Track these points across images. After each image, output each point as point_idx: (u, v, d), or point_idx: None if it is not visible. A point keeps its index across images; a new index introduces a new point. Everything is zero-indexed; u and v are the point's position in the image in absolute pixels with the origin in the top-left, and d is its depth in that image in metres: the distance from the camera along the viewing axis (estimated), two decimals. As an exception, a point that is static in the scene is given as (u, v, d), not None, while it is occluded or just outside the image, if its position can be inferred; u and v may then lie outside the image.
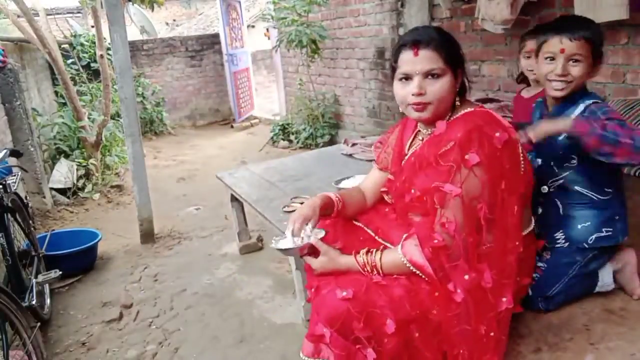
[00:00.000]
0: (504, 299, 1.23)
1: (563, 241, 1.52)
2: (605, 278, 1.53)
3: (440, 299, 1.22)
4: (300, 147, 5.93)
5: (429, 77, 1.29)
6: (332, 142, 5.66)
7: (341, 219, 1.56)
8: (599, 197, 1.49)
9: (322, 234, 1.41)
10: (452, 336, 1.22)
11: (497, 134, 1.21)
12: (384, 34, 4.77)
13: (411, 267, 1.25)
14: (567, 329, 1.37)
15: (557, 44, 1.45)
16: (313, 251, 1.38)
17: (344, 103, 5.77)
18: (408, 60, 1.30)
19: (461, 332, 1.21)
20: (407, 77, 1.31)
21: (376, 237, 1.49)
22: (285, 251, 1.43)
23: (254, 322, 2.47)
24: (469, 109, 1.34)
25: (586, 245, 1.49)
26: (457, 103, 1.34)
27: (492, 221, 1.22)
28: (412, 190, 1.35)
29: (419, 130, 1.45)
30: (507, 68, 3.55)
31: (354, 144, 3.40)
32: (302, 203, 2.45)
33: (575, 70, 1.45)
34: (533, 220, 1.44)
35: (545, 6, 3.12)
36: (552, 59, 1.48)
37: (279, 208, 2.45)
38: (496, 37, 3.50)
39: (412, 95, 1.31)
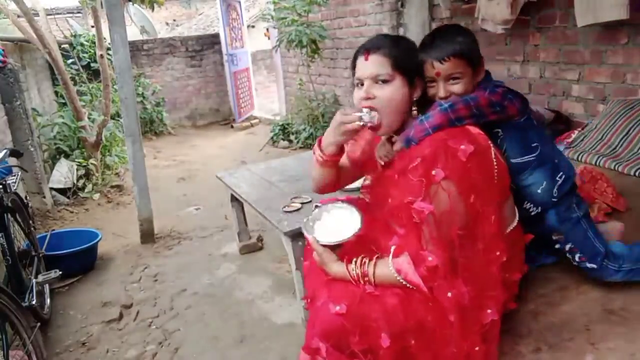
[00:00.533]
0: (489, 311, 1.22)
1: (535, 209, 1.52)
2: None
3: (434, 309, 1.22)
4: (300, 147, 5.93)
5: (379, 82, 1.30)
6: (332, 142, 5.65)
7: None
8: (534, 155, 1.48)
9: (354, 228, 1.33)
10: (446, 352, 1.22)
11: (462, 147, 1.19)
12: (384, 34, 4.77)
13: (406, 284, 1.24)
14: (567, 329, 1.37)
15: (430, 68, 1.39)
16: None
17: (344, 103, 5.77)
18: (360, 66, 1.33)
19: (451, 352, 1.22)
20: (360, 83, 1.33)
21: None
22: (328, 243, 1.34)
23: (254, 322, 2.47)
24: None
25: (555, 200, 1.49)
26: (414, 112, 1.33)
27: (467, 235, 1.20)
28: (389, 200, 1.36)
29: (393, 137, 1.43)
30: (507, 68, 3.55)
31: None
32: (302, 203, 2.47)
33: (457, 87, 1.39)
34: (517, 214, 1.43)
35: (545, 6, 3.13)
36: (432, 81, 1.41)
37: (279, 208, 2.45)
38: (496, 37, 3.50)
39: (362, 99, 1.31)
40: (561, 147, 2.76)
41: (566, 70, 3.13)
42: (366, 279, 1.27)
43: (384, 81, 1.30)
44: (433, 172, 1.19)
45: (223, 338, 2.37)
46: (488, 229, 1.22)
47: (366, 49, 1.33)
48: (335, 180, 1.56)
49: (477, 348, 1.21)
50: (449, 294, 1.20)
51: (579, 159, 2.59)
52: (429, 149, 1.21)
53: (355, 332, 1.20)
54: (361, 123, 1.32)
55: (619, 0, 2.48)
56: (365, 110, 1.33)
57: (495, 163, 1.27)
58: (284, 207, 2.44)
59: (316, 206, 1.46)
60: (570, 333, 1.36)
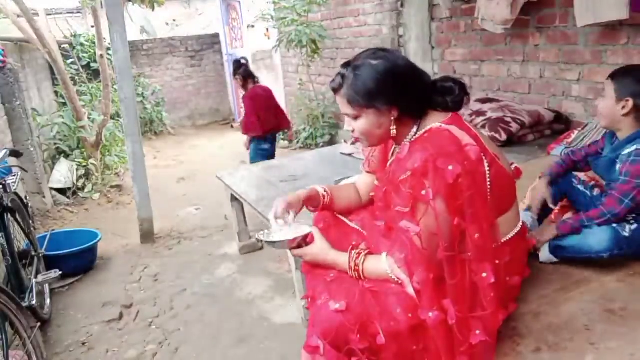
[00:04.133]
0: (477, 332, 1.21)
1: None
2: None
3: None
4: (300, 147, 5.93)
5: (352, 117, 1.32)
6: (332, 142, 5.66)
7: (333, 217, 1.57)
8: None
9: (306, 230, 1.42)
10: None
11: (450, 168, 1.16)
12: (384, 34, 4.76)
13: (396, 279, 1.26)
14: (567, 329, 1.37)
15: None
16: (304, 242, 1.41)
17: (344, 103, 5.76)
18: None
19: None
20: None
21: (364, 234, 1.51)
22: (274, 244, 1.43)
23: (254, 322, 2.47)
24: (434, 125, 1.29)
25: None
26: (393, 131, 1.30)
27: (453, 257, 1.19)
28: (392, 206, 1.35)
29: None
30: (507, 68, 3.55)
31: (353, 143, 3.40)
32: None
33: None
34: (521, 220, 1.43)
35: (545, 6, 3.12)
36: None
37: (279, 208, 2.44)
38: (496, 37, 3.50)
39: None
40: (561, 147, 2.76)
41: (566, 70, 3.13)
42: (357, 269, 1.31)
43: (355, 119, 1.32)
44: (422, 192, 1.18)
45: (223, 338, 2.37)
46: (473, 248, 1.20)
47: (332, 89, 1.34)
48: (346, 205, 1.61)
49: None
50: (430, 314, 1.20)
51: (579, 159, 2.59)
52: (419, 164, 1.19)
53: (354, 329, 1.20)
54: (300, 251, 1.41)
55: (618, 0, 2.48)
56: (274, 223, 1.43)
57: (488, 180, 1.24)
58: (284, 207, 2.44)
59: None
60: (570, 333, 1.35)
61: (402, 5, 4.43)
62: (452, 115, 1.32)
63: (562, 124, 3.16)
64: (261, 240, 1.43)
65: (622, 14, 2.49)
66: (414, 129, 1.33)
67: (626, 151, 1.62)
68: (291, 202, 1.45)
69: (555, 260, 1.71)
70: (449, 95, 1.31)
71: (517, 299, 1.42)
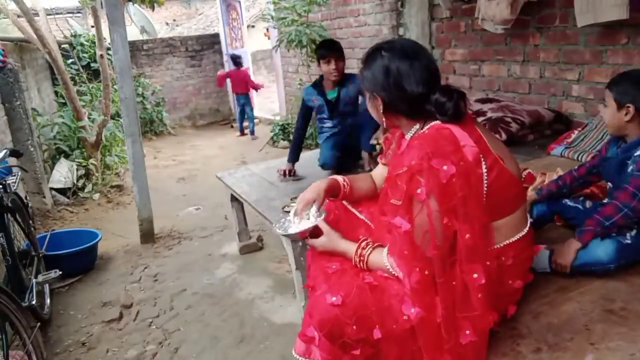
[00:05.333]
0: (467, 332, 1.21)
1: None
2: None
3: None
4: (300, 147, 5.92)
5: None
6: (332, 142, 5.65)
7: (343, 209, 1.63)
8: None
9: (324, 215, 1.51)
10: None
11: (445, 168, 1.17)
12: (384, 34, 4.77)
13: (395, 274, 1.29)
14: (567, 329, 1.37)
15: None
16: (315, 232, 1.48)
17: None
18: None
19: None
20: None
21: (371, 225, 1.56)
22: (288, 235, 1.56)
23: (254, 322, 2.47)
24: (437, 123, 1.30)
25: None
26: (384, 121, 1.40)
27: (441, 255, 1.20)
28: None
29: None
30: (507, 68, 3.55)
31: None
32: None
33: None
34: (528, 224, 1.42)
35: (545, 6, 3.13)
36: None
37: (279, 208, 2.45)
38: (496, 37, 3.50)
39: None
40: (561, 147, 2.76)
41: (566, 70, 3.13)
42: (362, 259, 1.36)
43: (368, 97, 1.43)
44: (418, 190, 1.20)
45: (223, 338, 2.37)
46: (463, 248, 1.20)
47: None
48: (370, 191, 1.69)
49: None
50: (412, 310, 1.22)
51: (579, 158, 2.59)
52: (416, 161, 1.20)
53: (350, 323, 1.22)
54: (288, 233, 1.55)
55: (618, 0, 2.48)
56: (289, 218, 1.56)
57: (485, 181, 1.24)
58: (284, 207, 2.44)
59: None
60: (570, 333, 1.35)
61: (402, 5, 4.44)
62: None
63: (562, 124, 3.16)
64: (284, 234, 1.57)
65: (622, 14, 2.49)
66: (417, 126, 1.35)
67: (639, 152, 1.62)
68: (309, 199, 1.52)
69: (548, 270, 1.66)
70: (440, 109, 1.30)
71: (517, 302, 1.42)
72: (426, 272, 1.22)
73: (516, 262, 1.33)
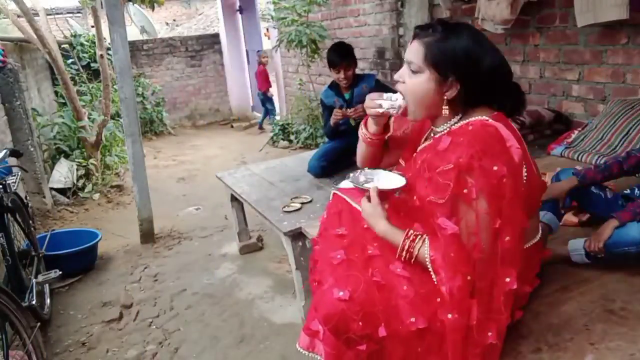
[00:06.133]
0: (490, 334, 1.19)
1: None
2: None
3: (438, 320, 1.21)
4: (300, 147, 5.93)
5: (411, 69, 1.28)
6: (332, 142, 5.66)
7: (346, 203, 1.53)
8: None
9: (400, 182, 1.37)
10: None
11: (495, 168, 1.14)
12: (384, 34, 4.77)
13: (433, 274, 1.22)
14: (567, 329, 1.37)
15: None
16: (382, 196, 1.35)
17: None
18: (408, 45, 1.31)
19: None
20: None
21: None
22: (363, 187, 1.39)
23: (254, 322, 2.47)
24: (481, 118, 1.24)
25: None
26: (445, 110, 1.28)
27: (486, 258, 1.17)
28: (414, 197, 1.32)
29: (432, 128, 1.39)
30: (507, 68, 3.55)
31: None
32: (302, 203, 2.47)
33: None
34: (540, 231, 1.41)
35: (545, 6, 3.13)
36: None
37: (279, 208, 2.45)
38: (496, 37, 3.50)
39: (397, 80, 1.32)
40: (561, 147, 2.76)
41: (566, 70, 3.13)
42: (411, 251, 1.25)
43: (413, 71, 1.27)
44: (464, 190, 1.15)
45: (223, 338, 2.37)
46: (502, 250, 1.18)
47: (415, 32, 1.28)
48: (378, 159, 1.57)
49: None
50: (449, 316, 1.17)
51: (579, 158, 2.59)
52: (465, 159, 1.15)
53: (356, 318, 1.19)
54: (381, 110, 1.35)
55: (618, 0, 2.48)
56: (386, 96, 1.34)
57: (525, 182, 1.22)
58: (284, 207, 2.44)
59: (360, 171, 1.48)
60: (570, 333, 1.35)
61: (402, 5, 4.43)
62: (497, 113, 1.28)
63: (562, 124, 3.15)
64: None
65: (622, 14, 2.49)
66: (456, 118, 1.29)
67: None
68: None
69: (587, 261, 1.64)
70: (510, 96, 1.29)
71: (522, 307, 1.42)
72: (469, 278, 1.17)
73: (527, 267, 1.33)
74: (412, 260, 1.25)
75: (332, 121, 3.11)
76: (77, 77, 6.17)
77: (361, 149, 1.57)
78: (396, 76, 1.32)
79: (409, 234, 1.26)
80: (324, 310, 1.22)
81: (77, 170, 4.79)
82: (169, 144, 7.30)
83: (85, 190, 4.69)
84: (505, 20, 3.17)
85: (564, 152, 2.71)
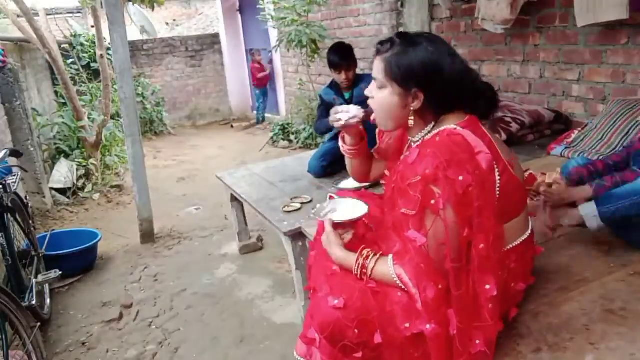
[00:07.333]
0: (477, 342, 1.19)
1: None
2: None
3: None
4: (300, 147, 5.93)
5: (378, 85, 1.31)
6: (332, 142, 5.66)
7: None
8: None
9: (362, 211, 1.44)
10: None
11: (461, 178, 1.14)
12: (384, 34, 4.76)
13: (402, 286, 1.24)
14: (567, 329, 1.37)
15: None
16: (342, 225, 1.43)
17: (344, 103, 5.77)
18: None
19: None
20: None
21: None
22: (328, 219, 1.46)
23: (254, 322, 2.47)
24: (449, 127, 1.26)
25: None
26: (411, 121, 1.29)
27: (458, 267, 1.17)
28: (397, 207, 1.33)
29: (409, 139, 1.42)
30: (507, 68, 3.55)
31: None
32: (302, 203, 2.47)
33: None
34: (530, 227, 1.42)
35: (545, 6, 3.13)
36: None
37: (279, 208, 2.45)
38: (496, 37, 3.50)
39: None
40: (561, 147, 2.76)
41: (566, 70, 3.13)
42: (364, 271, 1.29)
43: (378, 87, 1.30)
44: (432, 201, 1.16)
45: (223, 338, 2.37)
46: (477, 258, 1.18)
47: (376, 48, 1.31)
48: (366, 170, 1.64)
49: None
50: (428, 326, 1.18)
51: (579, 159, 2.59)
52: (431, 171, 1.16)
53: (351, 326, 1.20)
54: (342, 122, 1.46)
55: (618, 0, 2.48)
56: (342, 109, 1.47)
57: (498, 188, 1.22)
58: (284, 207, 2.44)
59: (330, 197, 1.57)
60: (570, 333, 1.35)
61: (402, 5, 4.43)
62: (468, 118, 1.28)
63: (562, 124, 3.16)
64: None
65: (622, 14, 2.49)
66: (429, 127, 1.30)
67: None
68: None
69: (602, 225, 1.65)
70: (480, 98, 1.29)
71: (518, 305, 1.42)
72: (440, 287, 1.18)
73: (519, 265, 1.33)
74: (369, 277, 1.29)
75: (330, 121, 3.09)
76: (77, 77, 6.17)
77: (348, 162, 1.64)
78: (366, 92, 1.36)
79: (363, 252, 1.32)
80: (319, 319, 1.24)
81: (77, 170, 4.79)
82: (169, 144, 7.30)
83: (85, 190, 4.69)
84: (505, 20, 3.17)
85: (564, 152, 2.71)
